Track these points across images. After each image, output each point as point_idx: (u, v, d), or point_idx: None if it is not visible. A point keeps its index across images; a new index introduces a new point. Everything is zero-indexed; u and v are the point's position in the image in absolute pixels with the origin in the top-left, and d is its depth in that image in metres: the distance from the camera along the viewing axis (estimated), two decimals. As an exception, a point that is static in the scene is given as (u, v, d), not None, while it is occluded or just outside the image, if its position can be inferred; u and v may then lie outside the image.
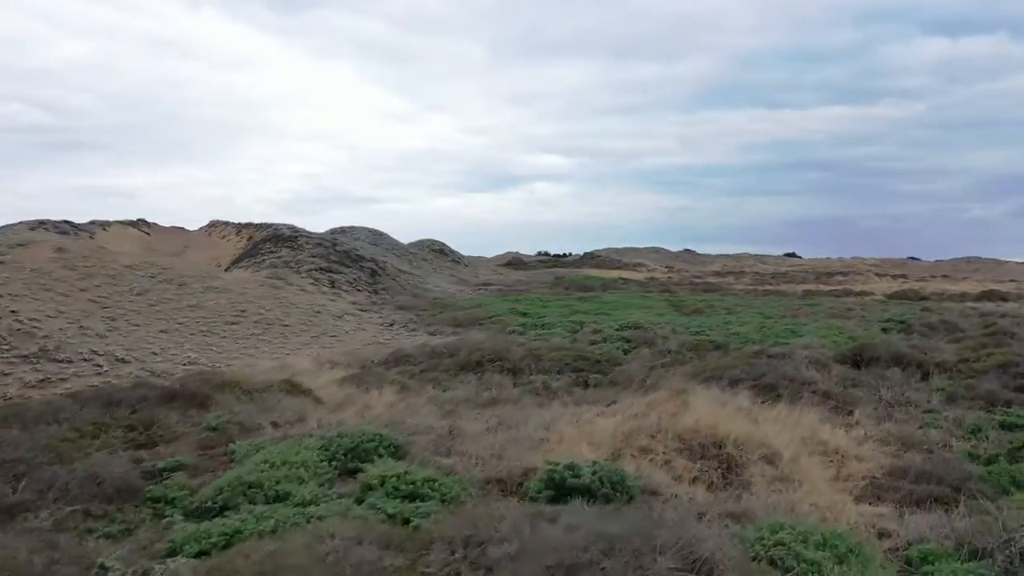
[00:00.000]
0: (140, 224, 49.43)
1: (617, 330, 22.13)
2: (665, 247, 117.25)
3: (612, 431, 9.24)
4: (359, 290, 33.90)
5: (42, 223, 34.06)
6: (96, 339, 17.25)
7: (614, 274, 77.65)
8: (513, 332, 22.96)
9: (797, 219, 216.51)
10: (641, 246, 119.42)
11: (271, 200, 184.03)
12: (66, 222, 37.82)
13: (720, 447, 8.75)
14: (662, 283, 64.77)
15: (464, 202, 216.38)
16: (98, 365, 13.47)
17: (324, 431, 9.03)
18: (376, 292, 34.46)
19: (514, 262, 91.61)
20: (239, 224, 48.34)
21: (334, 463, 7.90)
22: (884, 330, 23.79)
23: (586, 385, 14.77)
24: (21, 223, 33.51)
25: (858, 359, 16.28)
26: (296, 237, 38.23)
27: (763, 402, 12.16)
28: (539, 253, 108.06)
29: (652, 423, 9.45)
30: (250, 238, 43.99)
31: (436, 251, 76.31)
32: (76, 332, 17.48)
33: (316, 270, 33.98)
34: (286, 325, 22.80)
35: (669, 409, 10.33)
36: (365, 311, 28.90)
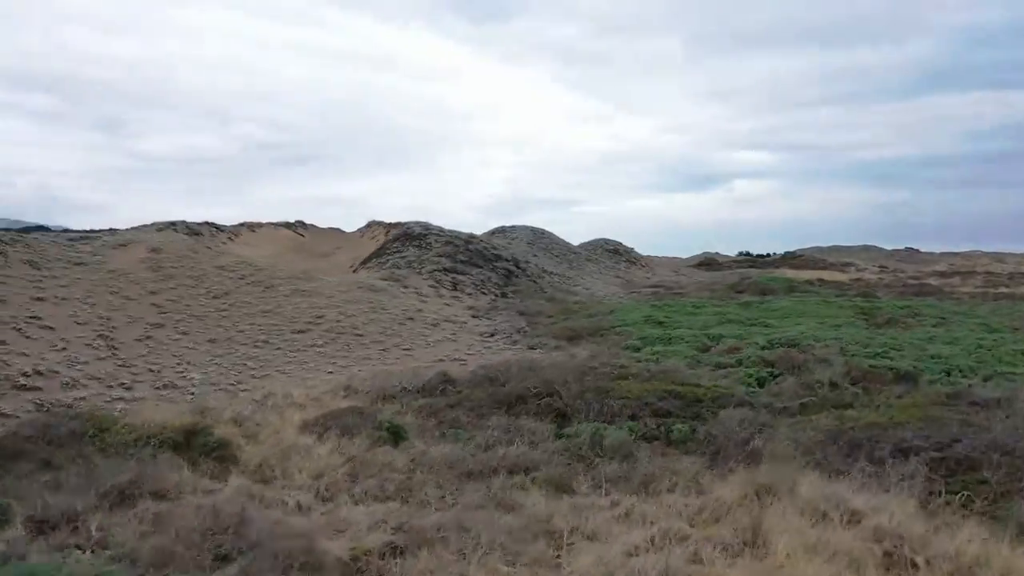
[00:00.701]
0: (296, 226, 49.16)
1: (762, 349, 16.57)
2: (881, 246, 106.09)
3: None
4: (484, 292, 30.18)
5: (173, 224, 33.64)
6: (99, 351, 14.65)
7: (811, 275, 69.60)
8: (628, 348, 18.09)
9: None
10: (851, 245, 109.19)
11: (474, 206, 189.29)
12: (208, 224, 37.47)
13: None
14: (868, 285, 55.98)
15: (662, 202, 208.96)
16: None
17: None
18: (504, 295, 30.57)
19: (706, 262, 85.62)
20: (388, 224, 46.53)
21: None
22: None
23: (668, 440, 9.82)
24: (153, 224, 33.27)
25: None
26: (425, 235, 35.28)
27: (948, 494, 6.96)
28: (740, 254, 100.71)
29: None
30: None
31: (610, 251, 71.82)
32: (81, 345, 15.00)
33: (440, 270, 30.73)
34: (359, 335, 19.42)
35: (723, 534, 5.33)
36: (477, 317, 25.07)
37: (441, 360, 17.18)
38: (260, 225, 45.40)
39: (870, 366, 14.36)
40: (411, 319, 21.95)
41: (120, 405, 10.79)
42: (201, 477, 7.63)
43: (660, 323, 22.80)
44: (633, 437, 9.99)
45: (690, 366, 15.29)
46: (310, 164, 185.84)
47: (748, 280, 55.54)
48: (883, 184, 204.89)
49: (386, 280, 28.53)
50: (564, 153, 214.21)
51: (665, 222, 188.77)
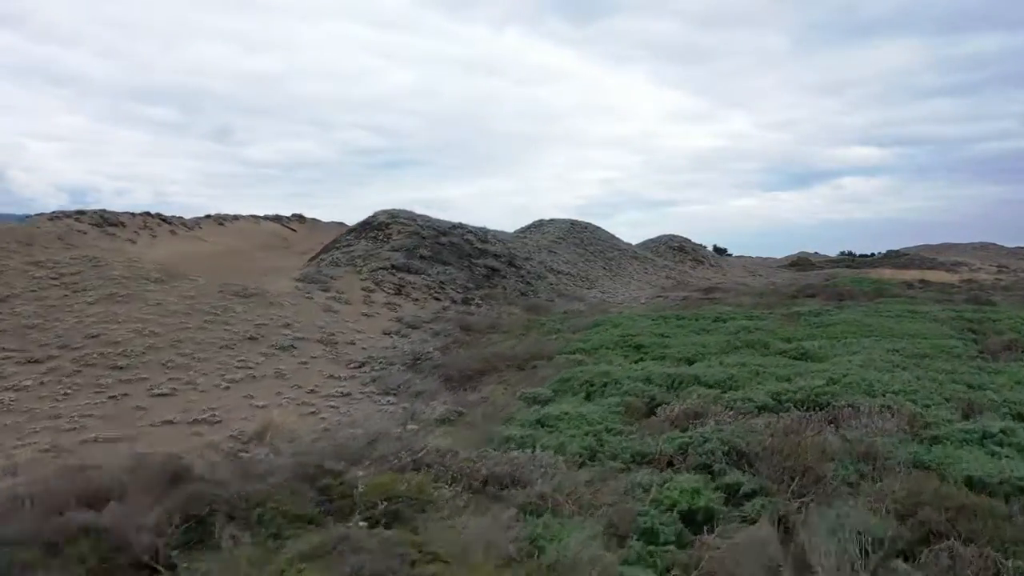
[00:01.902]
0: (290, 220, 43.10)
1: (756, 411, 8.45)
2: (1000, 243, 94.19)
3: None
4: (439, 297, 22.63)
5: (81, 213, 27.44)
6: None
7: (913, 276, 59.44)
8: (527, 400, 10.22)
9: None
10: (964, 242, 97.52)
11: (569, 206, 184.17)
12: (150, 215, 31.21)
13: None
14: (981, 288, 45.59)
15: (763, 201, 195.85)
16: None
17: None
18: (469, 300, 22.94)
19: (799, 262, 77.89)
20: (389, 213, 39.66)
21: None
22: None
23: None
24: (56, 213, 27.24)
25: None
26: (387, 224, 27.98)
27: None
28: (841, 253, 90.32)
29: None
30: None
31: (674, 248, 63.59)
32: None
33: (386, 268, 23.42)
34: (119, 367, 12.25)
35: None
36: (390, 333, 17.64)
37: (169, 422, 9.79)
38: (236, 218, 39.29)
39: (968, 480, 6.13)
40: (254, 338, 14.66)
41: None
42: None
43: (639, 347, 14.77)
44: None
45: (575, 459, 7.36)
46: (410, 168, 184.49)
47: (829, 283, 46.00)
48: (1008, 179, 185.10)
49: (301, 281, 21.43)
50: (664, 152, 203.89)
51: (766, 221, 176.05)
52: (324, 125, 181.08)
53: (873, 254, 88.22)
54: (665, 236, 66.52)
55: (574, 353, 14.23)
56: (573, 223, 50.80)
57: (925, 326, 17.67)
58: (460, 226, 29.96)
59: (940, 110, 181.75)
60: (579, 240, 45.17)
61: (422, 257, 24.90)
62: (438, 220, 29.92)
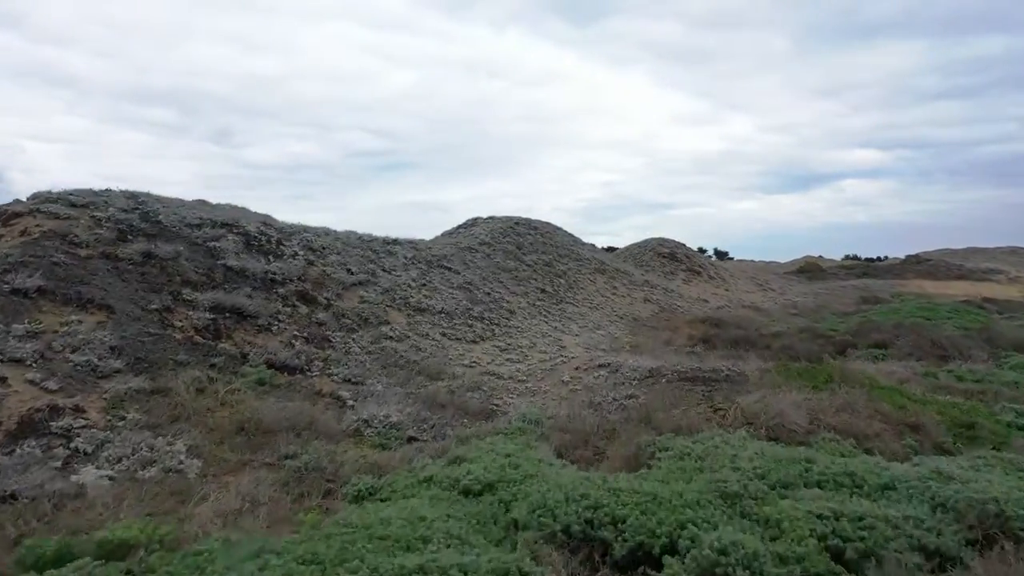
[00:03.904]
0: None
1: None
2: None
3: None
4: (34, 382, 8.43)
5: None
6: None
7: (959, 289, 47.03)
8: None
9: None
10: (992, 247, 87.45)
11: (569, 208, 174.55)
12: None
13: None
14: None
15: (764, 204, 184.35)
16: None
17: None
18: (54, 413, 8.70)
19: (808, 268, 69.74)
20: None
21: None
22: None
23: None
24: None
25: None
26: (19, 216, 13.42)
27: None
28: (846, 257, 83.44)
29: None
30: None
31: (664, 256, 49.40)
32: None
33: None
34: None
35: None
36: None
37: None
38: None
39: None
40: None
41: None
42: None
43: None
44: None
45: None
46: (410, 170, 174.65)
47: (872, 306, 31.79)
48: (1009, 183, 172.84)
49: None
50: (664, 155, 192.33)
51: (768, 224, 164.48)
52: (324, 127, 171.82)
53: (879, 258, 79.91)
54: (653, 240, 52.04)
55: None
56: (516, 222, 36.20)
57: None
58: (232, 225, 15.48)
59: (942, 113, 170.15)
60: (513, 247, 30.72)
61: (24, 296, 10.47)
62: (170, 206, 15.38)
